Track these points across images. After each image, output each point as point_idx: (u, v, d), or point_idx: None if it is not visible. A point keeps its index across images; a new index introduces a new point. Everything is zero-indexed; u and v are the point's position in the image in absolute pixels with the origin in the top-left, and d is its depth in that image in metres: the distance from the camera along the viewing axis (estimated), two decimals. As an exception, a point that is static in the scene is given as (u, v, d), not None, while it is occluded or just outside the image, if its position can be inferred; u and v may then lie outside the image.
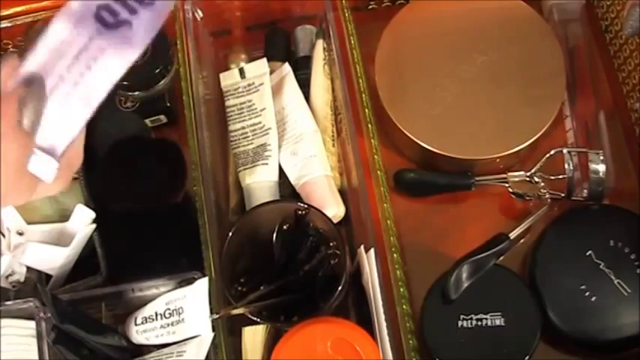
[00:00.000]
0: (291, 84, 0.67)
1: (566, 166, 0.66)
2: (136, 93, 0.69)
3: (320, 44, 0.68)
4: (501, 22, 0.70)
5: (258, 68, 0.67)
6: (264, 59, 0.68)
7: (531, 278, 0.64)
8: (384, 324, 0.57)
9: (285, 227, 0.60)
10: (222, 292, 0.59)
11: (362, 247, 0.60)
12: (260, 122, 0.66)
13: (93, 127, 0.66)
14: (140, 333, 0.62)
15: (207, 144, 0.64)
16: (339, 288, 0.58)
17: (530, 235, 0.67)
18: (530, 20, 0.70)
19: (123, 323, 0.63)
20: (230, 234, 0.59)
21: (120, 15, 0.39)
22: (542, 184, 0.67)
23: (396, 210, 0.68)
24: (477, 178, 0.67)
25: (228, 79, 0.68)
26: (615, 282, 0.63)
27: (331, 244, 0.60)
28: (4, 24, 0.68)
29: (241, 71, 0.68)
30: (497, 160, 0.67)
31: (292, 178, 0.65)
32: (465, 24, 0.70)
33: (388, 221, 0.62)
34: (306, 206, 0.60)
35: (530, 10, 0.70)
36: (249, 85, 0.67)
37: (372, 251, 0.59)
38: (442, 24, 0.70)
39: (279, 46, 0.71)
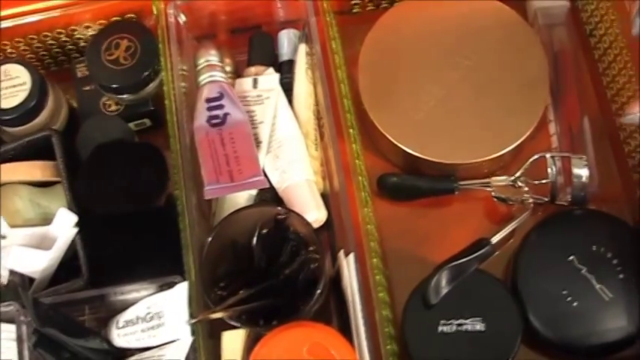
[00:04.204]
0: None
1: (549, 170, 0.66)
2: (125, 96, 0.69)
3: (302, 48, 0.68)
4: (486, 26, 0.69)
5: (270, 82, 0.68)
6: (277, 75, 0.68)
7: (513, 283, 0.64)
8: (362, 329, 0.57)
9: (264, 231, 0.60)
10: (202, 296, 0.59)
11: (341, 251, 0.60)
12: (255, 134, 0.66)
13: (76, 130, 0.67)
14: (122, 336, 0.62)
15: (190, 147, 0.64)
16: (318, 292, 0.58)
17: (515, 240, 0.67)
18: (514, 24, 0.70)
19: (106, 326, 0.63)
20: (209, 239, 0.59)
21: (219, 116, 0.64)
22: (526, 188, 0.66)
23: (379, 214, 0.68)
24: (461, 183, 0.67)
25: (242, 85, 0.68)
26: (597, 287, 0.62)
27: (310, 248, 0.60)
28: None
29: (255, 81, 0.68)
30: (481, 164, 0.67)
31: (274, 182, 0.65)
32: (449, 28, 0.70)
33: (369, 226, 0.62)
34: (285, 211, 0.60)
35: (514, 15, 0.70)
36: (257, 96, 0.67)
37: (351, 256, 0.59)
38: (426, 28, 0.70)
39: (263, 49, 0.71)
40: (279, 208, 0.60)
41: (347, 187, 0.61)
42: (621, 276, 0.63)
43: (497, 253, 0.66)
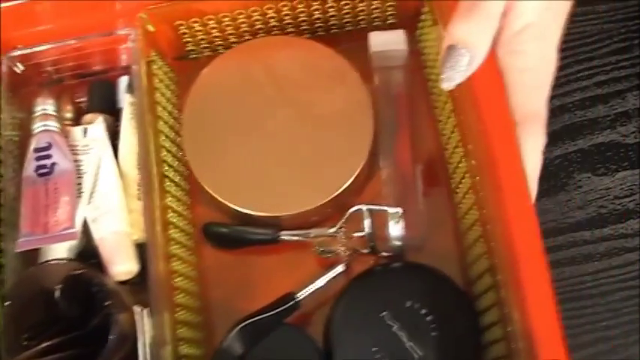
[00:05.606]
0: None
1: (365, 222, 0.64)
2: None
3: (127, 98, 0.68)
4: (312, 74, 0.68)
5: (97, 132, 0.68)
6: (104, 125, 0.69)
7: (327, 339, 0.63)
8: (150, 386, 0.58)
9: (64, 286, 0.61)
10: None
11: (135, 306, 0.60)
12: (79, 184, 0.66)
13: None
14: (-50, 381, 0.64)
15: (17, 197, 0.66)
16: (108, 346, 0.58)
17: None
18: (339, 70, 0.68)
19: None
20: (8, 293, 0.60)
21: (47, 166, 0.66)
22: (345, 240, 0.65)
23: (204, 263, 0.68)
24: (282, 233, 0.66)
25: (74, 134, 0.69)
26: (407, 345, 0.61)
27: (106, 303, 0.60)
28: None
29: (85, 130, 0.69)
30: (303, 215, 0.65)
31: (93, 232, 0.66)
32: (275, 77, 0.68)
33: (177, 279, 0.62)
34: (81, 266, 0.60)
35: (340, 60, 0.68)
36: (85, 145, 0.68)
37: (144, 311, 0.59)
38: (251, 77, 0.69)
39: (101, 97, 0.71)
40: (74, 263, 0.60)
41: (155, 240, 0.61)
42: (434, 333, 0.61)
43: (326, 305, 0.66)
